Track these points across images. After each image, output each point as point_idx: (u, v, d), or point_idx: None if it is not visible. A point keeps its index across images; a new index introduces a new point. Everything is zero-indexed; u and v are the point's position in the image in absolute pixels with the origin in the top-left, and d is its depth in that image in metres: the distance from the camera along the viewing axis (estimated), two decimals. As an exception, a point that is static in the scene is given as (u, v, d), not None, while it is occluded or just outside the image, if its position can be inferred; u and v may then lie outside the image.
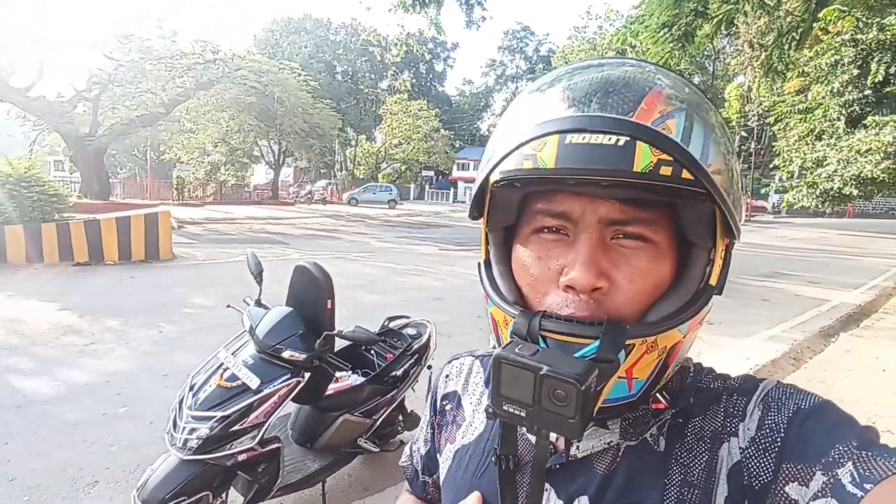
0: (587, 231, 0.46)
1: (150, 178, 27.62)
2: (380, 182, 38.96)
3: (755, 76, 23.35)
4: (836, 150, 9.59)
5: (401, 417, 2.83)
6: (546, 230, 0.49)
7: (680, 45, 6.09)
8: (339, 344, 2.38)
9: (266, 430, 1.97)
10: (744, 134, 38.47)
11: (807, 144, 10.77)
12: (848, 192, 9.67)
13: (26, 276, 7.32)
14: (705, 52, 38.51)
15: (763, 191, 39.29)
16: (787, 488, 0.42)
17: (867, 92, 10.18)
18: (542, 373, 0.39)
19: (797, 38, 6.64)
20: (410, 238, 14.63)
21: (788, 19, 7.79)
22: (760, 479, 0.44)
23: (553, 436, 0.53)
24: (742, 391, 0.50)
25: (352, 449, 2.51)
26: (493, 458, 0.54)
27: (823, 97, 10.42)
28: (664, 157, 0.41)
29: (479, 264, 0.56)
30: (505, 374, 0.42)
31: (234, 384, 1.98)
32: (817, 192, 9.84)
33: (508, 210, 0.51)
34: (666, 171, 0.41)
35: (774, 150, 19.75)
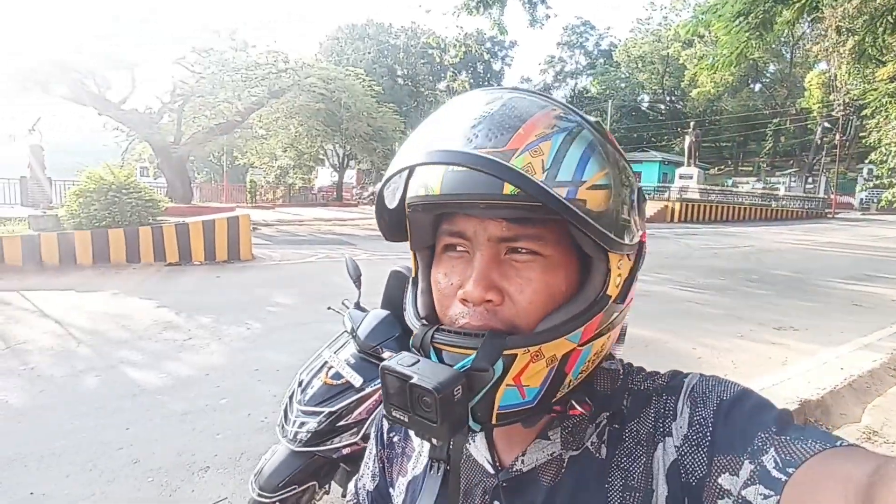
0: (480, 249, 0.50)
1: (227, 182, 29.29)
2: (440, 182, 39.31)
3: (841, 63, 21.68)
4: (945, 144, 8.79)
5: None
6: (451, 248, 0.52)
7: (757, 33, 5.81)
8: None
9: (368, 426, 2.10)
10: (827, 125, 35.86)
11: (909, 137, 9.92)
12: (955, 190, 8.84)
13: (127, 276, 8.03)
14: (782, 40, 36.17)
15: (858, 188, 36.30)
16: (719, 480, 0.44)
17: None
18: (411, 381, 0.43)
19: (892, 21, 6.18)
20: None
21: (881, 1, 7.25)
22: (696, 474, 0.45)
23: (489, 455, 0.57)
24: (670, 389, 0.52)
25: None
26: (427, 464, 0.57)
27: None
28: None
29: (409, 281, 0.60)
30: (389, 383, 0.46)
31: (339, 382, 2.12)
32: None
33: (424, 231, 0.55)
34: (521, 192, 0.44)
35: (864, 142, 18.27)
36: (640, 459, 0.50)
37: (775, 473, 0.40)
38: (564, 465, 0.52)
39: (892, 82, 12.16)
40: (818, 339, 5.29)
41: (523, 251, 0.49)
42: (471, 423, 0.47)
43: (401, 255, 10.76)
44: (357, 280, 2.49)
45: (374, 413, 2.12)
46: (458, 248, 0.52)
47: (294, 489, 2.04)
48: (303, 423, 2.07)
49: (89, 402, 3.56)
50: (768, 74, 48.15)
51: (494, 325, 0.48)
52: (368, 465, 0.73)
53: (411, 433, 0.65)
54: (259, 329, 5.30)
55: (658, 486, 0.48)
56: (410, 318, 0.55)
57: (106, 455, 2.92)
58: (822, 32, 26.39)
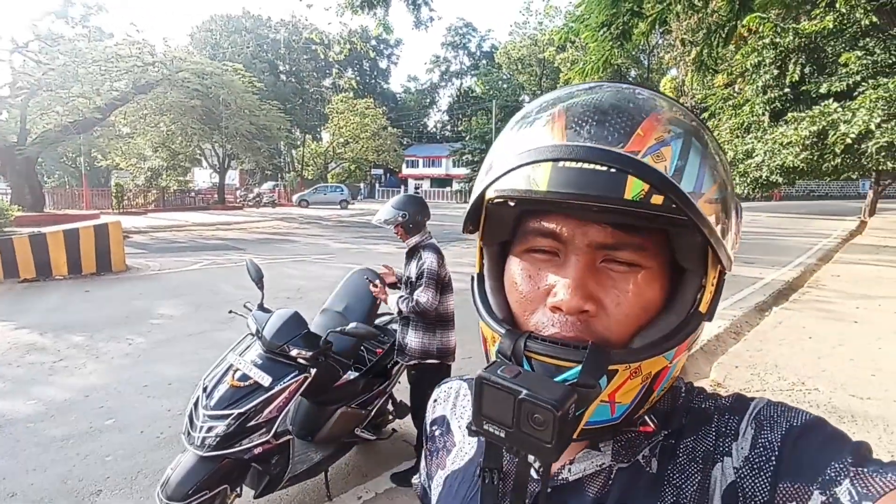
0: (577, 254, 0.46)
1: (86, 186, 26.19)
2: (329, 182, 38.50)
3: (686, 70, 24.69)
4: (763, 142, 10.56)
5: (391, 407, 3.03)
6: (538, 250, 0.49)
7: (619, 42, 6.49)
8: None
9: (279, 423, 2.14)
10: (678, 125, 40.44)
11: (737, 137, 11.71)
12: (774, 180, 10.64)
13: (-30, 296, 6.98)
14: (641, 48, 40.17)
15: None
16: None
17: (786, 90, 11.24)
18: (520, 396, 0.40)
19: (724, 35, 7.18)
20: (367, 238, 14.68)
21: (715, 17, 8.39)
22: (756, 499, 0.43)
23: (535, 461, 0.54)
24: (733, 410, 0.50)
25: (350, 439, 2.70)
26: (477, 471, 0.54)
27: (750, 94, 11.40)
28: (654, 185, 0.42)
29: (472, 277, 0.56)
30: (486, 395, 0.42)
31: (247, 383, 2.13)
32: (748, 181, 10.79)
33: (503, 226, 0.51)
34: (657, 199, 0.41)
35: (707, 140, 20.98)
36: (695, 477, 0.47)
37: None
38: (612, 477, 0.49)
39: (726, 88, 14.21)
40: (676, 311, 6.09)
41: (621, 261, 0.46)
42: None
43: (294, 258, 10.47)
44: (259, 282, 2.50)
45: (284, 410, 2.16)
46: (548, 251, 0.48)
47: (205, 495, 2.02)
48: (210, 428, 2.05)
49: (-59, 440, 3.13)
50: (631, 78, 53.17)
51: (586, 336, 0.46)
52: (423, 459, 0.70)
53: (454, 427, 0.64)
54: (143, 343, 4.94)
55: None
56: (488, 321, 0.51)
57: (-29, 494, 2.61)
58: (672, 42, 29.82)
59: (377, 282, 2.75)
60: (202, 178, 36.06)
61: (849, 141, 8.96)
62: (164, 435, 3.14)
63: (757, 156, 10.42)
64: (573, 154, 0.42)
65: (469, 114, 50.85)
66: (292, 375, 2.18)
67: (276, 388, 2.14)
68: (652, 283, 0.47)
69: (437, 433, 0.66)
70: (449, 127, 59.29)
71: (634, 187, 0.41)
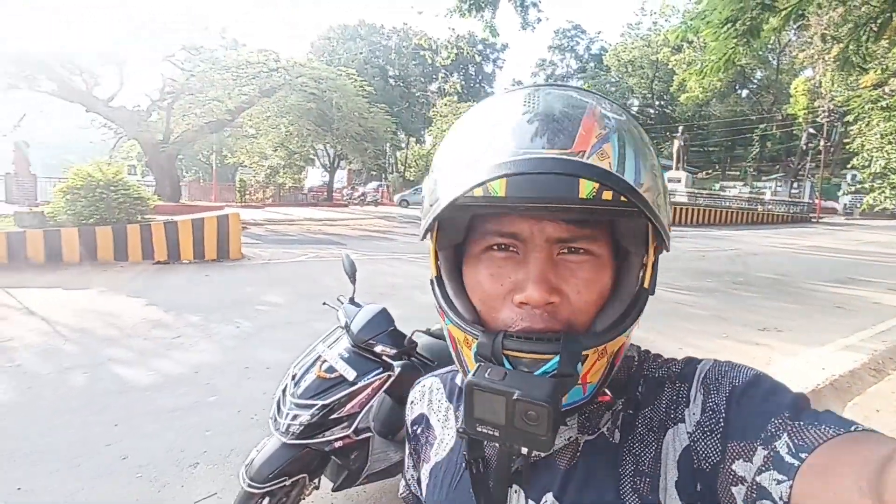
0: (537, 250, 0.49)
1: (216, 180, 29.06)
2: (430, 184, 39.32)
3: (826, 70, 22.06)
4: (927, 150, 9.00)
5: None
6: (497, 248, 0.51)
7: (745, 40, 5.91)
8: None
9: (360, 419, 2.13)
10: (812, 131, 36.42)
11: (889, 143, 10.11)
12: (937, 196, 9.07)
13: (114, 274, 7.95)
14: (769, 46, 36.72)
15: (841, 193, 36.86)
16: (733, 466, 0.44)
17: (960, 88, 9.49)
18: (514, 397, 0.43)
19: (876, 29, 6.31)
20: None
21: (865, 9, 7.40)
22: (709, 460, 0.46)
23: None
24: (683, 377, 0.53)
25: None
26: (464, 464, 0.57)
27: (912, 93, 9.81)
28: (605, 184, 0.45)
29: (431, 281, 0.58)
30: (478, 400, 0.45)
31: (332, 375, 2.14)
32: (902, 195, 9.27)
33: (457, 229, 0.54)
34: (607, 195, 0.44)
35: (848, 148, 18.62)
36: (652, 445, 0.50)
37: (788, 459, 0.40)
38: (580, 449, 0.53)
39: (875, 89, 12.46)
40: (801, 339, 5.38)
41: (580, 251, 0.50)
42: None
43: (391, 255, 10.77)
44: (352, 276, 2.51)
45: (366, 406, 2.14)
46: (510, 249, 0.51)
47: (284, 480, 2.06)
48: (295, 416, 2.08)
49: (76, 400, 3.54)
50: (755, 81, 48.77)
51: (554, 326, 0.49)
52: (407, 460, 0.74)
53: (433, 421, 0.67)
54: (249, 327, 5.29)
55: (668, 472, 0.48)
56: (459, 324, 0.52)
57: (94, 451, 2.90)
58: (808, 40, 26.86)
59: None
60: (315, 176, 38.49)
61: None
62: (257, 417, 3.30)
63: (917, 165, 8.92)
64: (527, 167, 0.44)
65: (573, 118, 49.47)
66: (376, 372, 2.16)
67: (360, 384, 2.13)
68: (603, 268, 0.51)
69: (418, 431, 0.69)
70: (552, 131, 58.08)
71: (586, 187, 0.44)
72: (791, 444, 0.41)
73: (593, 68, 56.05)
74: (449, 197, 0.48)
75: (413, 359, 2.25)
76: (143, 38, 18.05)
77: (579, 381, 0.48)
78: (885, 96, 11.88)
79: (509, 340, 0.48)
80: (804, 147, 38.98)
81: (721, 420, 0.47)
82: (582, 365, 0.48)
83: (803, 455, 0.40)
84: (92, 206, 8.87)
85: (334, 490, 2.29)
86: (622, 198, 0.45)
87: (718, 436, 0.46)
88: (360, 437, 2.18)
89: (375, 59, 47.60)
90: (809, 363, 4.65)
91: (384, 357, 2.19)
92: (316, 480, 2.26)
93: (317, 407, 2.07)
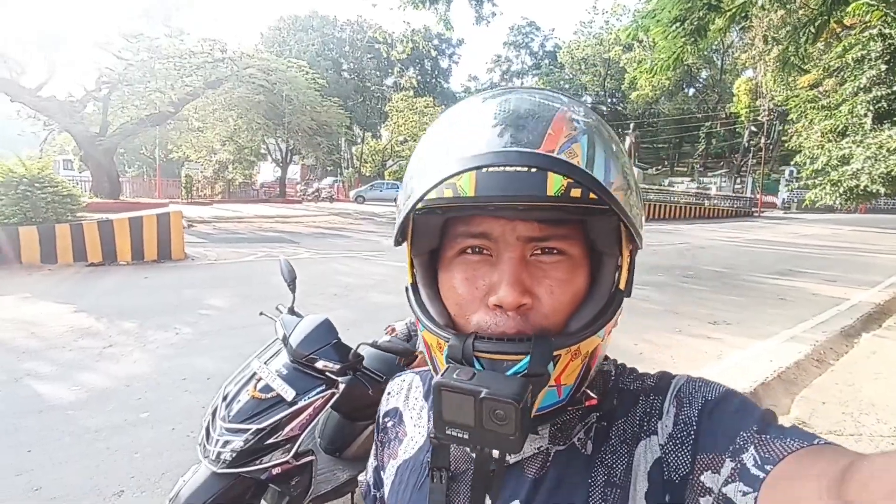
0: (509, 251, 0.49)
1: (159, 176, 27.70)
2: (386, 179, 38.93)
3: (766, 70, 23.09)
4: (864, 147, 9.40)
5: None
6: (470, 251, 0.51)
7: (692, 39, 6.03)
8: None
9: (301, 443, 1.93)
10: (753, 129, 38.18)
11: (830, 141, 10.57)
12: (875, 190, 9.50)
13: (41, 277, 7.34)
14: (714, 47, 38.20)
15: (781, 188, 38.83)
16: (702, 477, 0.45)
17: None
18: (481, 396, 0.42)
19: (814, 31, 6.55)
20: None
21: (804, 12, 7.68)
22: (679, 472, 0.46)
23: None
24: (657, 390, 0.53)
25: (380, 458, 2.47)
26: (426, 460, 0.58)
27: (849, 93, 10.21)
28: (573, 181, 0.45)
29: (406, 288, 0.58)
30: (446, 401, 0.44)
31: (269, 395, 1.93)
32: (841, 190, 9.68)
33: (431, 235, 0.53)
34: (576, 192, 0.45)
35: (787, 146, 19.54)
36: (624, 457, 0.50)
37: (754, 471, 0.41)
38: (550, 458, 0.53)
39: (812, 89, 13.05)
40: (749, 332, 5.52)
41: (553, 251, 0.50)
42: None
43: (345, 254, 10.48)
44: (291, 283, 2.30)
45: (308, 428, 1.95)
46: (483, 251, 0.51)
47: (215, 515, 1.84)
48: (226, 442, 1.87)
49: (-14, 422, 3.17)
50: (701, 80, 50.66)
51: (527, 329, 0.48)
52: (374, 448, 0.73)
53: (406, 418, 0.67)
54: (189, 334, 4.95)
55: (638, 483, 0.48)
56: (432, 328, 0.52)
57: (2, 481, 2.58)
58: (750, 42, 28.07)
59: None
60: (267, 172, 37.38)
61: None
62: (193, 434, 3.04)
63: (855, 162, 9.29)
64: (496, 160, 0.45)
65: (529, 114, 50.16)
66: (318, 390, 1.97)
67: (301, 404, 1.93)
68: (577, 269, 0.51)
69: (389, 424, 0.69)
70: (508, 127, 58.72)
71: (555, 183, 0.44)
72: (757, 457, 0.42)
73: (548, 65, 56.85)
74: (419, 192, 0.48)
75: (359, 374, 2.08)
76: (76, 24, 16.89)
77: (553, 383, 0.49)
78: (820, 96, 12.46)
79: (480, 342, 0.48)
80: (746, 144, 40.87)
81: (692, 432, 0.47)
82: (554, 365, 0.48)
83: (768, 467, 0.40)
84: (14, 204, 8.14)
85: (274, 519, 2.09)
86: (591, 195, 0.45)
87: (689, 448, 0.47)
88: (302, 461, 1.98)
89: (328, 51, 46.54)
90: (757, 356, 4.76)
91: (327, 373, 2.00)
92: (253, 509, 2.05)
93: (251, 432, 1.86)
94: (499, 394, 0.42)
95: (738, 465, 0.42)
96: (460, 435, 0.44)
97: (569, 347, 0.48)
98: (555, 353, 0.47)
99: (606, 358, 0.59)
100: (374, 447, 0.72)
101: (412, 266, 0.57)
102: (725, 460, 0.43)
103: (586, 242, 0.51)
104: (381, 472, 0.68)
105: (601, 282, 0.51)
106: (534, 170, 0.44)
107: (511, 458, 0.54)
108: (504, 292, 0.48)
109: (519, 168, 0.44)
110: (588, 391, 0.53)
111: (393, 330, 2.49)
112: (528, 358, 0.46)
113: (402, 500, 0.60)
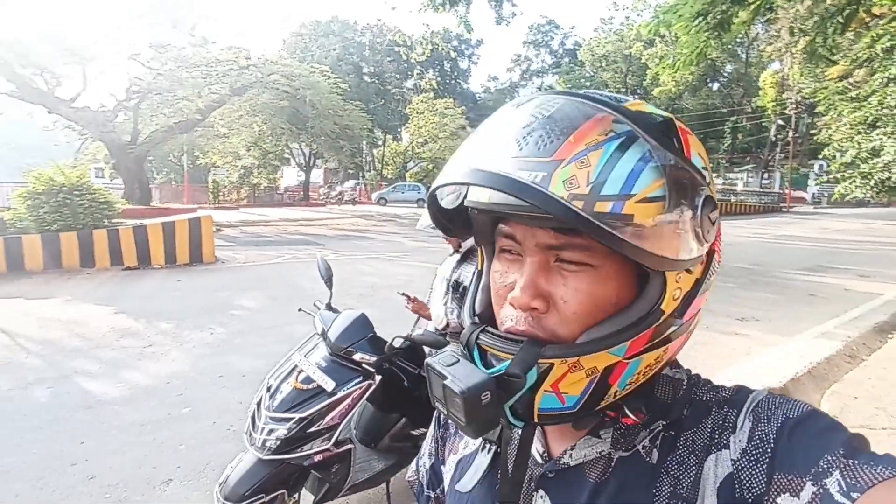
0: (530, 255, 0.50)
1: (187, 182, 28.39)
2: (407, 181, 39.14)
3: (793, 62, 22.54)
4: (895, 138, 9.14)
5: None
6: (506, 251, 0.53)
7: (715, 33, 5.95)
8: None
9: (341, 431, 2.03)
10: (780, 123, 37.26)
11: (859, 133, 10.29)
12: (908, 183, 9.24)
13: (81, 281, 7.66)
14: (738, 40, 37.40)
15: (810, 183, 37.70)
16: (779, 499, 0.42)
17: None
18: (444, 382, 0.46)
19: (842, 21, 6.42)
20: (440, 236, 14.66)
21: (831, 2, 7.53)
22: (753, 490, 0.44)
23: (540, 446, 0.57)
24: (733, 403, 0.51)
25: (414, 449, 2.55)
26: (480, 444, 0.61)
27: (879, 84, 9.93)
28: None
29: (473, 272, 0.62)
30: (432, 379, 0.48)
31: (310, 386, 2.04)
32: (871, 183, 9.41)
33: (486, 229, 0.56)
34: (578, 204, 0.42)
35: (815, 139, 19.05)
36: (692, 469, 0.49)
37: (839, 497, 0.39)
38: (612, 464, 0.52)
39: (841, 81, 12.73)
40: (779, 329, 5.45)
41: (572, 260, 0.49)
42: (512, 419, 0.49)
43: (370, 255, 10.63)
44: (328, 280, 2.40)
45: (347, 417, 2.05)
46: (513, 251, 0.52)
47: (261, 498, 1.95)
48: (271, 431, 1.98)
49: (40, 416, 3.36)
50: (725, 74, 49.65)
51: (537, 332, 0.49)
52: (428, 443, 0.73)
53: None
54: (223, 334, 5.12)
55: (706, 498, 0.47)
56: (466, 313, 0.57)
57: (58, 471, 2.75)
58: (776, 33, 27.42)
59: (412, 297, 2.61)
60: (291, 176, 37.93)
61: None
62: (233, 427, 3.17)
63: (886, 154, 9.02)
64: (474, 179, 0.45)
65: (549, 113, 49.77)
66: (356, 381, 2.07)
67: (340, 394, 2.03)
68: (604, 281, 0.48)
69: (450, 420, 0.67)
70: (528, 127, 58.37)
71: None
72: (843, 482, 0.39)
73: (568, 63, 56.37)
74: (434, 185, 0.51)
75: (394, 366, 2.16)
76: (108, 35, 17.46)
77: (550, 389, 0.48)
78: (850, 87, 12.14)
79: (484, 335, 0.51)
80: (773, 138, 39.87)
81: (769, 450, 0.45)
82: (541, 373, 0.47)
83: (855, 495, 0.38)
84: (55, 211, 8.51)
85: (315, 504, 2.19)
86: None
87: (765, 466, 0.44)
88: (341, 449, 2.08)
89: (349, 55, 47.00)
90: (788, 352, 4.70)
91: (364, 365, 2.09)
92: (295, 495, 2.16)
93: (294, 420, 1.96)
94: (454, 384, 0.44)
95: (821, 490, 0.40)
96: (443, 409, 0.48)
97: (564, 359, 0.47)
98: (543, 361, 0.47)
99: (679, 366, 0.57)
100: (427, 446, 0.73)
101: (480, 254, 0.60)
102: (806, 483, 0.41)
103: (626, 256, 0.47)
104: (441, 467, 0.68)
105: (642, 299, 0.48)
106: (538, 178, 0.43)
107: (572, 461, 0.54)
108: (517, 292, 0.49)
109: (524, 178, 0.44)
110: (631, 409, 0.51)
111: (414, 299, 2.61)
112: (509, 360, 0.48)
113: (461, 495, 0.62)
